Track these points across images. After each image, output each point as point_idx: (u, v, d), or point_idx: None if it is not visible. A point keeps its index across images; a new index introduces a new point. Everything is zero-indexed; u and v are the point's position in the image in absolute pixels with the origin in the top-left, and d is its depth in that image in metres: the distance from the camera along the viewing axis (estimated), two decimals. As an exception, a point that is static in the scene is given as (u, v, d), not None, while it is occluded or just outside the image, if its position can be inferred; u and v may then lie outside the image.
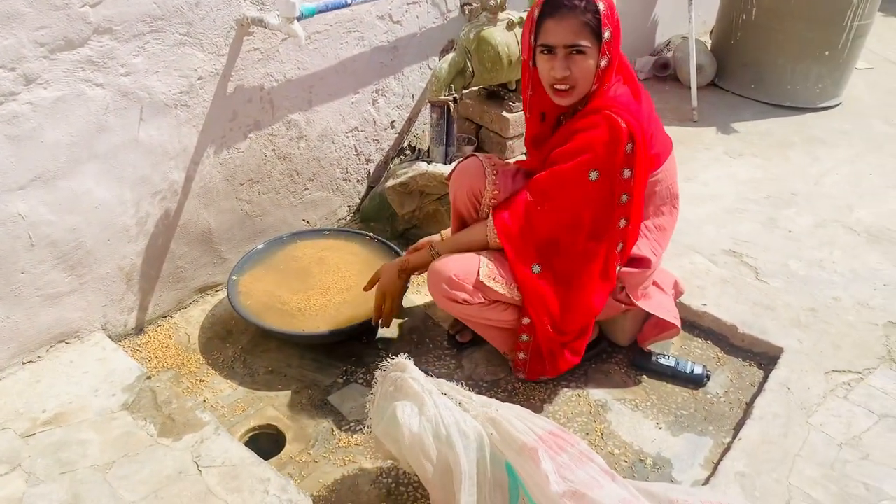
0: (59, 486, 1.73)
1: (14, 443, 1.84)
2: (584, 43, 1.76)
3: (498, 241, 1.93)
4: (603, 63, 1.79)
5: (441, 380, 1.83)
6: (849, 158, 3.52)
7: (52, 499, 1.69)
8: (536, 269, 1.93)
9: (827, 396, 2.09)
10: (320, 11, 2.25)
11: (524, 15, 2.65)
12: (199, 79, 2.14)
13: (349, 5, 2.34)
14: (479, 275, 1.93)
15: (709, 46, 4.28)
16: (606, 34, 1.76)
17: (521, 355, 2.09)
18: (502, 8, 2.57)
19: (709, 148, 3.56)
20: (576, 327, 2.01)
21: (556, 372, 2.08)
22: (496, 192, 2.01)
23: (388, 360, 1.77)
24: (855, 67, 4.08)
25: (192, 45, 2.09)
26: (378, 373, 1.78)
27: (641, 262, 2.07)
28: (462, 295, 1.93)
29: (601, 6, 1.75)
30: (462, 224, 2.13)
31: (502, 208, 1.94)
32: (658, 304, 2.16)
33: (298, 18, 2.13)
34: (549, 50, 1.79)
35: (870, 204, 3.12)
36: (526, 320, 2.00)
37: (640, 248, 2.06)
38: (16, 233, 1.90)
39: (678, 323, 2.17)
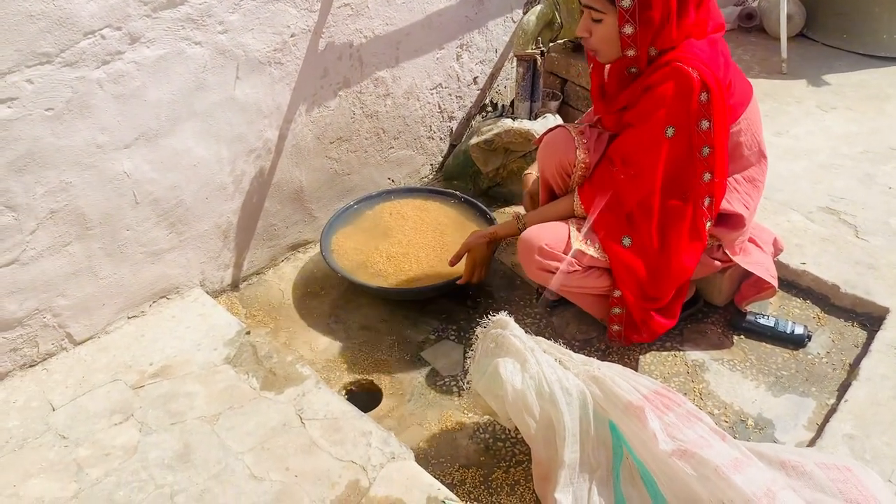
0: (171, 435, 1.79)
1: (125, 394, 1.91)
2: (596, 6, 1.72)
3: (581, 206, 1.93)
4: (628, 30, 1.72)
5: (540, 338, 1.83)
6: (951, 111, 3.33)
7: (165, 448, 1.76)
8: (627, 241, 1.89)
9: (938, 358, 2.01)
10: (410, -36, 2.22)
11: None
12: (291, 36, 2.14)
13: (438, -42, 2.30)
14: (569, 240, 1.90)
15: (797, -5, 4.08)
16: (626, 2, 1.68)
17: (616, 327, 2.06)
18: (593, -43, 2.48)
19: (799, 101, 3.42)
20: (669, 292, 1.97)
21: (652, 337, 2.05)
22: (587, 159, 1.97)
23: (489, 316, 1.77)
24: (956, 14, 3.84)
25: (285, 2, 2.08)
26: (479, 329, 1.78)
27: (734, 218, 2.00)
28: (554, 264, 1.91)
29: None
30: (551, 196, 2.10)
31: (587, 181, 1.92)
32: (756, 262, 2.10)
33: (390, -28, 2.10)
34: (583, 9, 1.78)
35: (976, 158, 2.96)
36: (617, 293, 1.97)
37: (731, 203, 1.99)
38: (122, 190, 1.94)
39: (775, 282, 2.10)
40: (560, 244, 1.91)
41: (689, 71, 1.72)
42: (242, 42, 2.03)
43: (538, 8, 2.51)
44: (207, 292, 2.28)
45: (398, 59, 2.49)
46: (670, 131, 1.77)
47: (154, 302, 2.18)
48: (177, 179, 2.06)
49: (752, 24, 4.05)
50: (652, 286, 1.94)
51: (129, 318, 2.13)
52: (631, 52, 1.76)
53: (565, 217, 1.98)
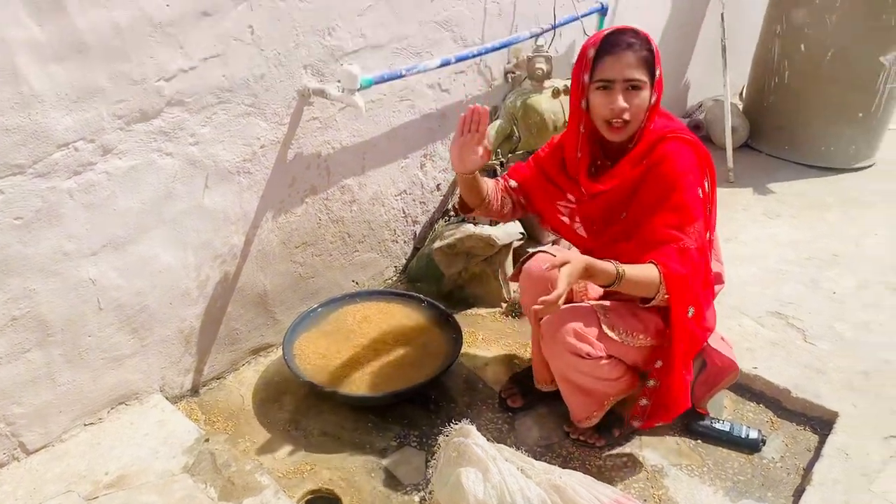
0: (124, 549, 1.74)
1: (78, 505, 1.86)
2: (642, 78, 1.82)
3: (666, 294, 1.83)
4: (653, 99, 1.86)
5: (502, 445, 1.85)
6: (886, 220, 3.53)
7: (118, 563, 1.71)
8: (691, 311, 1.90)
9: (887, 462, 2.07)
10: (377, 82, 2.33)
11: (568, 83, 2.72)
12: (261, 147, 2.22)
13: (404, 76, 2.43)
14: (600, 326, 1.93)
15: (740, 108, 4.35)
16: (658, 72, 1.84)
17: (644, 401, 2.04)
18: (548, 76, 2.65)
19: (746, 209, 3.59)
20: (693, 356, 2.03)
21: (676, 415, 2.02)
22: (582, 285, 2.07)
23: (449, 424, 1.79)
24: (888, 128, 4.12)
25: (256, 115, 2.17)
26: (441, 438, 1.79)
27: (718, 281, 2.13)
28: (586, 348, 1.92)
29: (654, 46, 1.83)
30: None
31: (663, 257, 1.83)
32: (717, 341, 2.16)
33: (358, 89, 2.21)
34: (607, 85, 1.83)
35: (912, 265, 3.12)
36: (659, 363, 1.98)
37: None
38: (86, 297, 1.95)
39: (736, 360, 2.15)
40: (592, 330, 1.93)
41: (691, 139, 1.88)
42: (213, 153, 2.10)
43: (497, 123, 2.64)
44: (167, 398, 2.26)
45: (364, 168, 2.58)
46: (700, 192, 1.88)
47: (112, 408, 2.15)
48: (142, 285, 2.07)
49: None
50: (693, 351, 1.99)
51: (85, 425, 2.09)
52: (644, 123, 1.88)
53: (646, 287, 1.84)
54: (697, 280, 1.87)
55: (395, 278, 2.93)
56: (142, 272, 2.06)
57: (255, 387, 2.41)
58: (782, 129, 4.07)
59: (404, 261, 2.95)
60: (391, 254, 2.87)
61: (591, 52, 1.84)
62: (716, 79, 3.72)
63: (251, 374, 2.46)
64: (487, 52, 2.75)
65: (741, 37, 4.49)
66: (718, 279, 2.13)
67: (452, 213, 3.06)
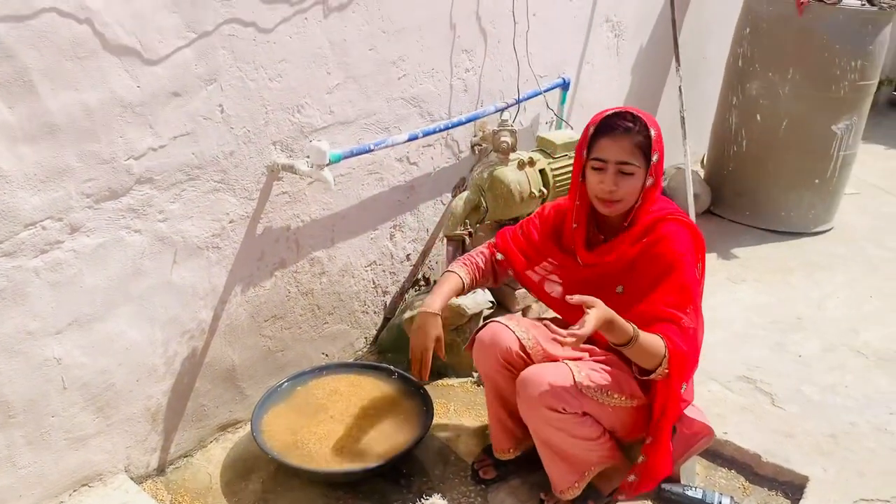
0: None
1: None
2: (634, 163, 1.88)
3: (667, 369, 1.86)
4: (648, 182, 1.92)
5: (473, 520, 1.82)
6: (847, 282, 3.61)
7: None
8: (684, 387, 1.97)
9: (858, 527, 2.08)
10: (346, 157, 2.38)
11: (533, 155, 2.80)
12: (230, 222, 2.24)
13: (372, 150, 2.48)
14: (575, 381, 1.94)
15: (702, 176, 4.48)
16: (654, 157, 1.90)
17: (632, 478, 2.06)
18: (513, 149, 2.72)
19: (711, 274, 3.64)
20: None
21: (659, 480, 2.08)
22: (532, 342, 2.09)
23: (421, 500, 1.77)
24: (844, 193, 4.26)
25: (226, 191, 2.19)
26: (412, 514, 1.77)
27: None
28: (561, 403, 1.92)
29: (653, 132, 1.89)
30: (499, 394, 2.13)
31: (667, 332, 1.86)
32: (692, 409, 2.18)
33: (327, 164, 2.25)
34: (601, 165, 1.91)
35: (874, 327, 3.18)
36: (649, 439, 2.01)
37: None
38: (49, 376, 1.92)
39: (710, 424, 2.17)
40: (567, 385, 1.93)
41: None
42: (181, 229, 2.11)
43: (465, 194, 2.69)
44: (132, 478, 2.20)
45: (333, 240, 2.61)
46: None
47: (75, 490, 2.09)
48: (108, 363, 2.05)
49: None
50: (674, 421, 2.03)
51: (45, 509, 2.03)
52: (638, 203, 1.94)
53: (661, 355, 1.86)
54: (695, 359, 1.94)
55: (365, 349, 2.92)
56: (108, 350, 2.04)
57: (224, 464, 2.36)
58: (743, 196, 4.19)
59: (374, 331, 2.94)
60: (361, 325, 2.87)
61: (591, 130, 1.93)
62: (677, 148, 3.84)
63: (219, 452, 2.42)
64: (454, 126, 2.83)
65: (700, 107, 4.65)
66: None
67: (423, 282, 3.08)
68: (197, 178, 2.11)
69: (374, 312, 2.91)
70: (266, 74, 2.19)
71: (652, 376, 1.90)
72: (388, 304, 2.96)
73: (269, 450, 2.21)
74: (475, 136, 3.06)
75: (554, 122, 3.45)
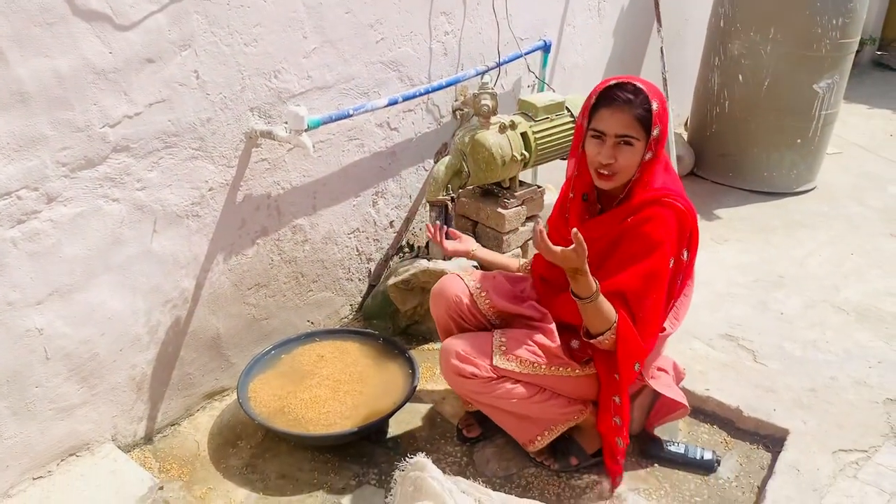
0: None
1: (26, 563, 1.81)
2: (633, 135, 1.84)
3: (614, 335, 1.87)
4: (648, 156, 1.87)
5: (458, 478, 1.85)
6: (829, 240, 3.65)
7: None
8: (637, 366, 1.95)
9: (837, 476, 2.12)
10: (325, 122, 2.36)
11: (514, 119, 2.79)
12: (209, 190, 2.22)
13: (351, 115, 2.46)
14: (491, 350, 2.00)
15: (686, 138, 4.48)
16: (655, 131, 1.84)
17: (620, 443, 2.07)
18: (494, 113, 2.71)
19: (695, 235, 3.67)
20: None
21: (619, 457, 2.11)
22: (484, 294, 2.14)
23: (406, 459, 1.79)
24: (826, 153, 4.28)
25: (204, 159, 2.18)
26: (397, 473, 1.79)
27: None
28: (470, 368, 1.99)
29: (654, 105, 1.83)
30: (449, 333, 2.19)
31: (620, 310, 1.87)
32: (666, 385, 2.21)
33: (305, 130, 2.24)
34: (600, 136, 1.88)
35: (855, 284, 3.22)
36: (617, 420, 2.02)
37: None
38: (32, 347, 1.92)
39: (686, 402, 2.20)
40: (480, 353, 2.00)
41: (681, 209, 1.88)
42: (160, 197, 2.10)
43: (447, 159, 2.69)
44: (119, 447, 2.22)
45: (315, 207, 2.60)
46: (672, 262, 1.90)
47: (62, 460, 2.10)
48: (90, 333, 2.05)
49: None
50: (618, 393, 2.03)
51: (34, 479, 2.04)
52: (636, 176, 1.90)
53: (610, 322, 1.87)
54: (641, 345, 1.91)
55: (350, 316, 2.93)
56: (90, 320, 2.03)
57: (211, 432, 2.38)
58: (726, 157, 4.20)
59: (359, 298, 2.95)
60: (346, 292, 2.88)
61: (592, 100, 1.90)
62: (660, 110, 3.85)
63: (206, 420, 2.43)
64: (434, 90, 2.81)
65: (682, 69, 4.65)
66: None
67: (407, 249, 3.09)
68: (174, 145, 2.09)
69: (359, 280, 2.92)
70: (241, 39, 2.16)
71: (594, 340, 1.90)
72: (372, 271, 2.96)
73: (256, 416, 2.22)
74: (456, 100, 3.04)
75: (536, 86, 3.43)
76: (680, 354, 2.64)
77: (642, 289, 1.88)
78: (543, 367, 2.03)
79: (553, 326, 2.10)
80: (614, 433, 2.04)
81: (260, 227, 2.43)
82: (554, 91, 3.33)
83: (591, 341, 1.91)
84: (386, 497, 2.10)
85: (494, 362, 2.00)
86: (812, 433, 2.28)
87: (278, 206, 2.46)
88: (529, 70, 3.26)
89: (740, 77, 3.97)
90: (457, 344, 2.04)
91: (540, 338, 2.06)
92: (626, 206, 1.94)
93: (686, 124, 4.71)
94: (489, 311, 2.15)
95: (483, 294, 2.14)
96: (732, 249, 3.55)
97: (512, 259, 2.41)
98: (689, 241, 1.95)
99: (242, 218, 2.36)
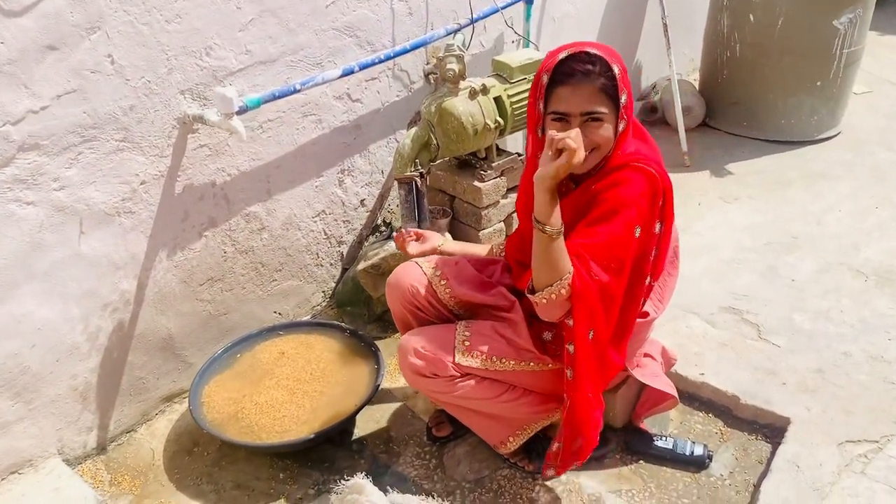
0: None
1: None
2: (602, 109, 1.61)
3: (563, 294, 1.60)
4: (621, 126, 1.65)
5: (407, 495, 1.68)
6: (852, 192, 3.34)
7: None
8: (591, 334, 1.70)
9: (841, 472, 1.90)
10: (267, 101, 2.16)
11: (487, 82, 2.54)
12: (142, 183, 2.05)
13: (299, 91, 2.25)
14: (454, 347, 1.81)
15: (696, 86, 4.16)
16: (623, 98, 1.62)
17: (556, 445, 1.85)
18: (462, 77, 2.46)
19: (703, 194, 3.41)
20: (603, 390, 1.84)
21: (589, 450, 1.82)
22: (444, 282, 1.93)
23: (343, 481, 1.62)
24: (852, 93, 3.93)
25: (131, 150, 1.99)
26: (333, 497, 1.63)
27: (642, 316, 1.90)
28: (429, 367, 1.80)
29: (616, 68, 1.61)
30: (408, 328, 1.99)
31: (583, 273, 1.62)
32: (652, 374, 2.00)
33: (242, 111, 2.04)
34: (562, 117, 1.64)
35: (877, 241, 2.94)
36: (568, 401, 1.78)
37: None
38: (-49, 366, 1.79)
39: (675, 393, 2.00)
40: (441, 349, 1.81)
41: (652, 172, 1.65)
42: (84, 196, 1.93)
43: (413, 131, 2.46)
44: (68, 460, 2.10)
45: (270, 192, 2.41)
46: (638, 231, 1.66)
47: (3, 479, 1.99)
48: (18, 346, 1.91)
49: (656, 118, 4.09)
50: (599, 385, 1.80)
51: (-28, 501, 1.93)
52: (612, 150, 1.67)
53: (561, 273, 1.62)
54: (600, 306, 1.66)
55: (324, 303, 2.76)
56: (15, 332, 1.89)
57: (168, 438, 2.25)
58: (739, 105, 3.88)
59: (333, 284, 2.77)
60: (316, 278, 2.70)
61: (545, 79, 1.65)
62: (664, 59, 3.53)
63: (164, 425, 2.30)
64: (398, 55, 2.57)
65: (691, 12, 4.30)
66: (643, 315, 1.90)
67: (383, 227, 2.89)
68: (94, 138, 1.91)
69: (331, 264, 2.74)
70: (161, 16, 1.95)
71: (537, 295, 1.63)
72: (345, 254, 2.77)
73: (206, 424, 2.08)
74: (427, 63, 2.79)
75: (520, 42, 3.16)
76: (674, 334, 2.42)
77: (600, 255, 1.63)
78: (512, 362, 1.83)
79: (522, 317, 1.89)
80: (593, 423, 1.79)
81: (207, 218, 2.25)
82: (538, 48, 3.06)
83: (534, 297, 1.64)
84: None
85: (457, 359, 1.81)
86: (816, 422, 2.06)
87: (226, 194, 2.28)
88: (508, 25, 2.99)
89: (751, 17, 3.63)
90: (415, 340, 1.84)
91: (507, 330, 1.86)
92: (595, 176, 1.71)
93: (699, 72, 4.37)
94: (450, 301, 1.95)
95: (443, 282, 1.94)
96: (743, 208, 3.27)
97: (485, 246, 2.19)
98: (664, 211, 1.70)
99: (185, 210, 2.19)
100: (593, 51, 1.62)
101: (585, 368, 1.70)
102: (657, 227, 1.71)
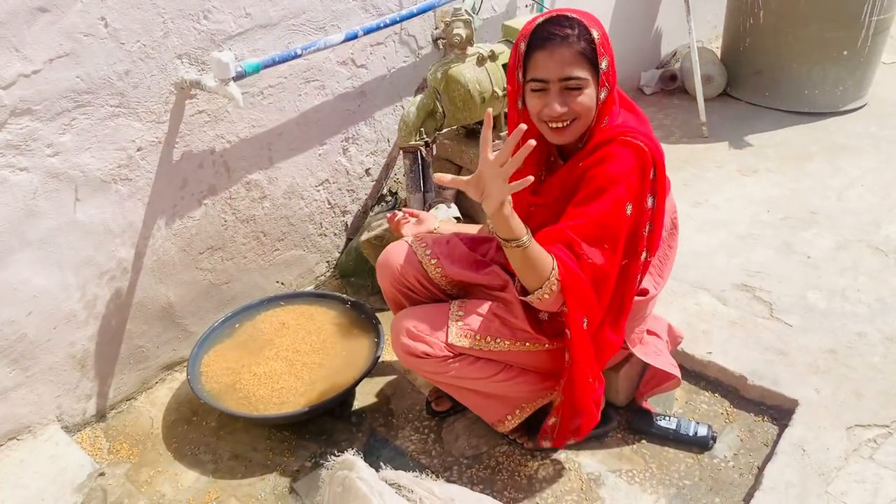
0: None
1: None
2: (581, 74, 1.54)
3: (554, 289, 1.56)
4: (603, 94, 1.59)
5: (400, 472, 1.66)
6: (875, 166, 3.23)
7: None
8: (585, 322, 1.66)
9: (849, 457, 1.84)
10: (267, 66, 2.10)
11: (496, 48, 2.47)
12: (138, 150, 2.01)
13: (300, 55, 2.19)
14: (447, 326, 1.76)
15: (718, 54, 4.03)
16: (604, 63, 1.56)
17: (553, 420, 1.84)
18: (470, 43, 2.39)
19: (720, 166, 3.31)
20: (601, 371, 1.80)
21: (588, 428, 1.83)
22: (434, 262, 1.88)
23: (334, 456, 1.60)
24: (881, 62, 3.78)
25: (127, 116, 1.95)
26: (324, 472, 1.61)
27: (641, 294, 1.85)
28: (422, 347, 1.75)
29: (595, 33, 1.54)
30: (400, 308, 1.94)
31: (560, 254, 1.57)
32: (655, 352, 1.95)
33: (240, 77, 1.99)
34: (542, 85, 1.57)
35: (900, 217, 2.84)
36: (565, 380, 1.76)
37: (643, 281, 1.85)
38: (-54, 333, 1.78)
39: (677, 372, 1.95)
40: (434, 329, 1.76)
41: (641, 146, 1.59)
42: (79, 162, 1.90)
43: (418, 99, 2.39)
44: (67, 427, 2.10)
45: (272, 160, 2.36)
46: (629, 208, 1.60)
47: (1, 445, 1.99)
48: (14, 314, 1.90)
49: (675, 86, 3.98)
50: (598, 368, 1.76)
51: (-29, 466, 1.94)
52: (594, 120, 1.62)
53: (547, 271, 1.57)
54: (592, 291, 1.61)
55: (328, 273, 2.73)
56: (11, 299, 1.88)
57: (167, 406, 2.24)
58: (761, 75, 3.75)
59: (337, 254, 2.74)
60: (320, 248, 2.66)
61: (522, 46, 1.58)
62: (685, 25, 3.42)
63: (164, 393, 2.29)
64: (405, 19, 2.49)
65: (716, -25, 4.16)
66: (643, 292, 1.85)
67: (389, 197, 2.84)
68: (88, 104, 1.87)
69: (335, 234, 2.70)
70: (157, -23, 1.90)
71: (530, 297, 1.60)
72: (349, 224, 2.73)
73: (204, 394, 2.06)
74: (436, 27, 2.72)
75: (534, 7, 3.06)
76: (683, 311, 2.36)
77: (591, 236, 1.57)
78: (507, 342, 1.78)
79: (516, 296, 1.84)
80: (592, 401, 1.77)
81: (206, 185, 2.22)
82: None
83: (528, 299, 1.62)
84: (316, 498, 1.90)
85: (450, 339, 1.76)
86: (825, 404, 2.00)
87: (226, 161, 2.24)
88: (522, -13, 2.90)
89: (776, -19, 3.49)
90: (408, 319, 1.79)
91: (502, 310, 1.81)
92: (582, 152, 1.65)
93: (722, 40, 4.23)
94: (442, 281, 1.91)
95: (434, 262, 1.89)
96: (762, 181, 3.17)
97: (482, 225, 2.14)
98: (655, 184, 1.63)
99: (183, 178, 2.15)
100: (571, 14, 1.55)
101: (582, 354, 1.67)
102: (649, 201, 1.65)
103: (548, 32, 1.54)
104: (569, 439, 1.84)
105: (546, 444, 1.91)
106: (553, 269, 1.55)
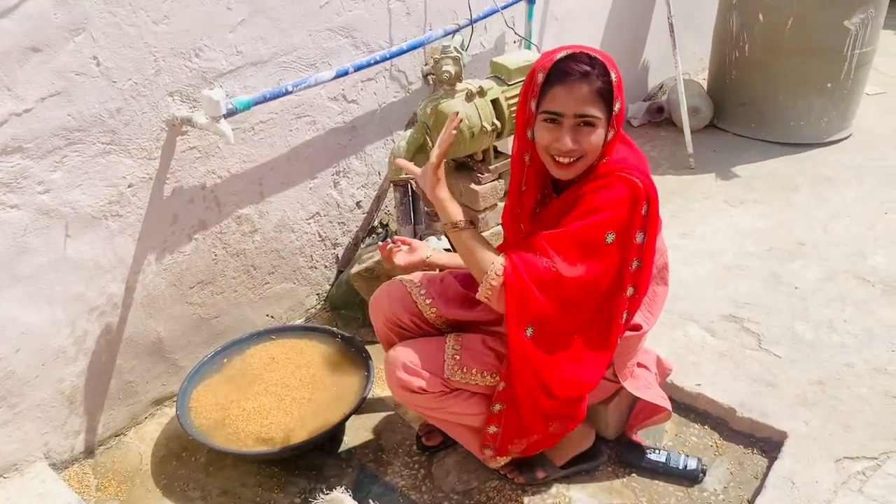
0: None
1: None
2: (596, 113, 1.56)
3: (495, 289, 1.61)
4: (610, 135, 1.61)
5: (388, 509, 1.65)
6: (860, 197, 3.27)
7: None
8: (529, 331, 1.66)
9: (838, 490, 1.85)
10: (258, 102, 2.13)
11: (484, 84, 2.50)
12: (129, 186, 2.02)
13: (291, 92, 2.22)
14: (443, 363, 1.78)
15: (704, 87, 4.09)
16: (617, 106, 1.58)
17: (493, 429, 1.83)
18: (459, 79, 2.42)
19: (707, 197, 3.35)
20: (568, 395, 1.76)
21: (530, 451, 1.84)
22: (430, 301, 1.90)
23: (322, 494, 1.59)
24: (864, 94, 3.85)
25: (118, 153, 1.97)
26: (312, 510, 1.60)
27: (634, 329, 1.86)
28: (417, 382, 1.75)
29: (613, 75, 1.57)
30: (391, 345, 1.94)
31: (519, 258, 1.61)
32: (644, 385, 1.95)
33: (231, 114, 2.01)
34: (555, 118, 1.59)
35: (885, 247, 2.87)
36: (503, 385, 1.77)
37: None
38: (-67, 371, 1.78)
39: (668, 405, 1.95)
40: (430, 364, 1.77)
41: (636, 182, 1.61)
42: (69, 199, 1.91)
43: (408, 133, 2.42)
44: (55, 464, 2.09)
45: (262, 195, 2.38)
46: (610, 237, 1.61)
47: (-12, 483, 1.98)
48: (2, 351, 1.89)
49: (663, 118, 4.03)
50: (551, 385, 1.72)
51: (-44, 505, 1.92)
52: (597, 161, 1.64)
53: (477, 271, 1.65)
54: (539, 300, 1.61)
55: (318, 306, 2.73)
56: (0, 336, 1.88)
57: (157, 442, 2.23)
58: (747, 106, 3.81)
59: (328, 286, 2.74)
60: (310, 281, 2.67)
61: (540, 78, 1.59)
62: (671, 59, 3.47)
63: (154, 428, 2.28)
64: (394, 56, 2.53)
65: (701, 11, 4.23)
66: (636, 327, 1.86)
67: (380, 229, 2.86)
68: (79, 141, 1.88)
69: (325, 267, 2.71)
70: (149, 17, 1.92)
71: (478, 295, 1.65)
72: (340, 256, 2.74)
73: (193, 431, 2.05)
74: (426, 64, 2.76)
75: (521, 43, 3.11)
76: (672, 342, 2.37)
77: (563, 247, 1.60)
78: (492, 377, 1.79)
79: None
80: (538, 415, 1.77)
81: (196, 220, 2.23)
82: (539, 50, 3.01)
83: (478, 296, 1.66)
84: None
85: (446, 375, 1.77)
86: (814, 436, 2.00)
87: (216, 196, 2.25)
88: (508, 25, 2.94)
89: (760, 16, 3.55)
90: (403, 354, 1.80)
91: (497, 343, 1.82)
92: (579, 184, 1.66)
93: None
94: (437, 321, 1.92)
95: (428, 301, 1.90)
96: (748, 213, 3.20)
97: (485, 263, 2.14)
98: (647, 221, 1.65)
99: (174, 213, 2.16)
100: (592, 53, 1.58)
101: (521, 362, 1.67)
102: (639, 236, 1.65)
103: (569, 67, 1.55)
104: (513, 450, 1.85)
105: (487, 452, 1.89)
106: (494, 263, 1.59)
